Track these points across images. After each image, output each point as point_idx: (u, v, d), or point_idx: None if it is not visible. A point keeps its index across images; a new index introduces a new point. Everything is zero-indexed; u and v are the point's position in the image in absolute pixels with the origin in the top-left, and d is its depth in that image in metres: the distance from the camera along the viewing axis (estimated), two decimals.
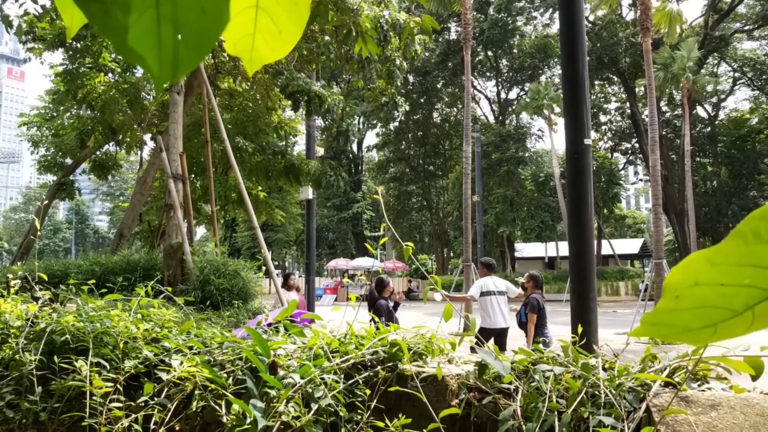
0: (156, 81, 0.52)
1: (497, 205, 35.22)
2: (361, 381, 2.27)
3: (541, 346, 2.37)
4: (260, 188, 15.41)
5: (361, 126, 45.24)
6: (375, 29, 9.04)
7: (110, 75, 12.69)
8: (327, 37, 9.54)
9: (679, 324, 0.51)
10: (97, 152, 14.78)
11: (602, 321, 8.74)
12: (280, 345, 2.59)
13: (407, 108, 12.36)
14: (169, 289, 4.05)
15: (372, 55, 9.20)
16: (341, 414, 2.15)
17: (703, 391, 1.93)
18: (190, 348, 2.78)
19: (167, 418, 2.41)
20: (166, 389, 2.54)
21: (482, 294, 8.07)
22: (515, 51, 39.06)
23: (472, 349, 2.58)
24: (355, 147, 48.60)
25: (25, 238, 14.51)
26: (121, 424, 2.38)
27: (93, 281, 3.75)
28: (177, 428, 2.42)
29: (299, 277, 34.69)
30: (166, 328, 3.05)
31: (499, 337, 7.86)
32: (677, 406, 1.79)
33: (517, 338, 7.95)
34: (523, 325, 7.60)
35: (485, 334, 7.67)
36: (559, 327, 7.77)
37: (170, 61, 0.51)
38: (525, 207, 36.22)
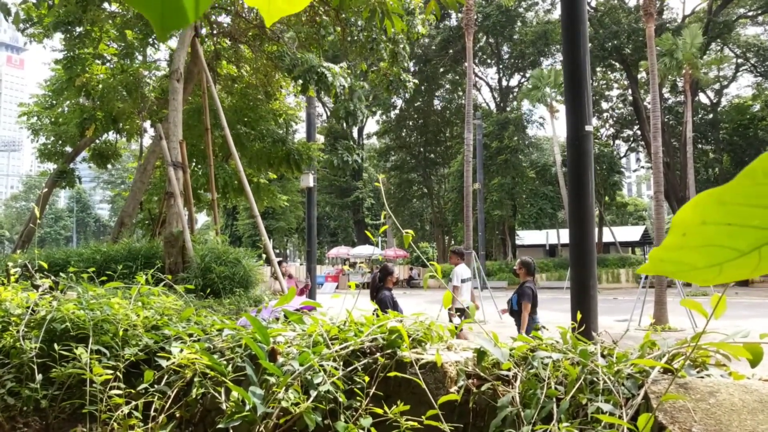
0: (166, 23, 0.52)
1: (494, 193, 35.19)
2: (360, 368, 2.28)
3: (539, 332, 2.38)
4: (261, 176, 15.34)
5: (367, 104, 45.27)
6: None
7: (109, 64, 12.61)
8: (327, 18, 9.46)
9: (686, 261, 0.51)
10: (97, 140, 14.72)
11: (603, 308, 8.79)
12: (279, 332, 2.59)
13: (416, 83, 12.17)
14: (170, 277, 4.05)
15: (397, 33, 9.16)
16: (340, 401, 2.16)
17: (702, 377, 1.92)
18: (190, 335, 2.78)
19: (167, 405, 2.43)
20: (166, 376, 2.55)
21: (463, 281, 8.86)
22: (516, 37, 38.76)
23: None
24: (355, 133, 48.45)
25: (26, 227, 14.52)
26: (121, 411, 2.39)
27: (93, 269, 3.76)
28: (177, 415, 2.44)
29: (300, 264, 34.65)
30: (166, 316, 3.06)
31: None
32: (676, 393, 1.80)
33: (508, 325, 8.03)
34: (514, 312, 7.61)
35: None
36: (560, 314, 7.81)
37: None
38: (524, 195, 36.16)
